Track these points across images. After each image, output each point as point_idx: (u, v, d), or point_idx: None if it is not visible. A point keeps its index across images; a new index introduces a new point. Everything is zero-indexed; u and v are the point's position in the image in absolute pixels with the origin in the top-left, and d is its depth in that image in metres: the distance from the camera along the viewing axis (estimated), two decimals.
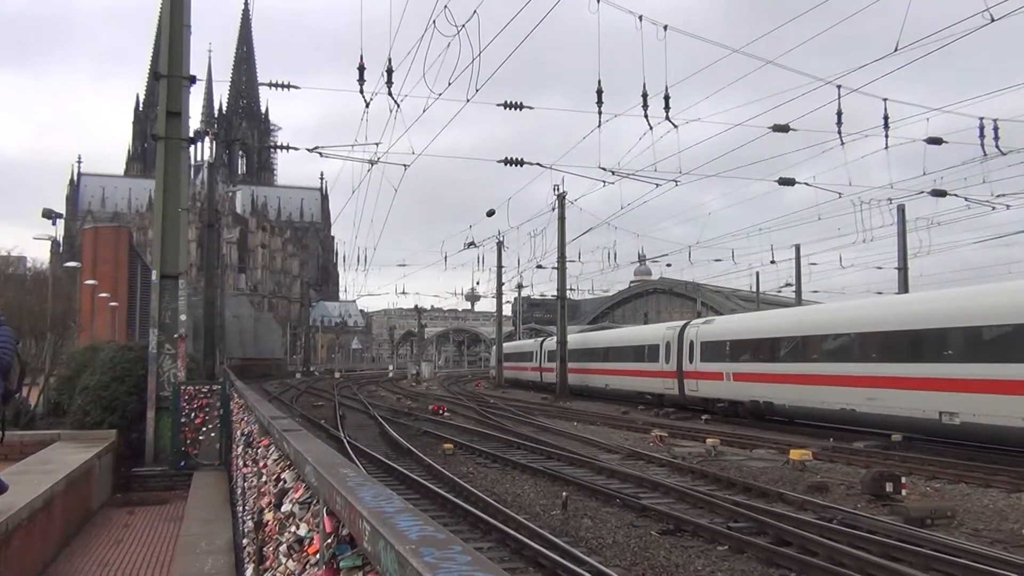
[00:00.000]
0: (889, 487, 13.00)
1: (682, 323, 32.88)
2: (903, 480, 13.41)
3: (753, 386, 25.78)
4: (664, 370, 32.04)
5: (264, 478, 5.56)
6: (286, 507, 4.03)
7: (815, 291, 53.92)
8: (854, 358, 21.26)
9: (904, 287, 36.58)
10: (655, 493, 13.67)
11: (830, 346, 22.67)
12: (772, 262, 49.08)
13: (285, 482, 4.37)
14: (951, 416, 17.74)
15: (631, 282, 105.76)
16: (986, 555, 9.00)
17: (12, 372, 6.35)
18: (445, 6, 13.31)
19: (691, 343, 30.01)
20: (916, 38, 15.70)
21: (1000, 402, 16.30)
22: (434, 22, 13.68)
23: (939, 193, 26.71)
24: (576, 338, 45.77)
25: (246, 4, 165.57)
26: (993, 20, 14.18)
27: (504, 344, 60.03)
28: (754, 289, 60.85)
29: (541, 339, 55.66)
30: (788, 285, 54.04)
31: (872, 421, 20.51)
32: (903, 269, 37.56)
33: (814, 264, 51.68)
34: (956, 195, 26.59)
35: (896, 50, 15.63)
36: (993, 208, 27.13)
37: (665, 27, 17.39)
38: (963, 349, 17.84)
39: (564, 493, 13.24)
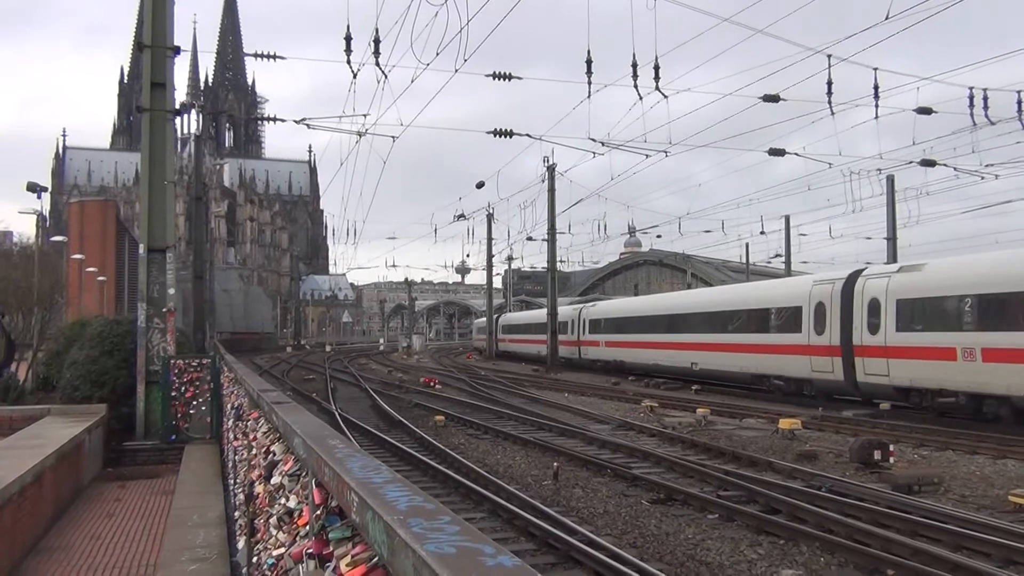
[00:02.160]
0: (877, 455, 13.12)
1: (582, 305, 45.05)
2: (891, 448, 13.54)
3: (614, 350, 37.49)
4: (571, 340, 42.75)
5: (254, 451, 5.56)
6: (276, 479, 4.02)
7: (805, 261, 53.99)
8: (658, 331, 32.71)
9: (893, 257, 36.66)
10: (646, 463, 13.76)
11: (647, 324, 34.20)
12: (762, 233, 49.26)
13: (275, 454, 4.36)
14: (695, 364, 29.02)
15: (621, 253, 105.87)
16: (972, 521, 9.10)
17: None
18: None
19: (584, 320, 41.53)
20: (907, 6, 15.60)
21: (719, 356, 27.30)
22: None
23: (928, 163, 26.70)
24: (518, 315, 61.44)
25: None
26: None
27: (476, 321, 65.61)
28: (744, 260, 60.93)
29: (497, 315, 64.53)
30: (778, 256, 54.12)
31: (667, 370, 31.49)
32: (892, 239, 37.65)
33: (804, 235, 51.92)
34: (945, 165, 26.58)
35: (887, 18, 15.53)
36: (982, 178, 27.15)
37: None
38: (699, 325, 29.26)
39: (555, 463, 13.31)
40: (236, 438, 8.08)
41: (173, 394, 13.87)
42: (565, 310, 46.46)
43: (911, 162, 27.12)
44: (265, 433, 5.14)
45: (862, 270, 21.65)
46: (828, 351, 21.35)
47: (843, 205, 32.41)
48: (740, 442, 15.98)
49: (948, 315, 18.00)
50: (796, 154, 26.02)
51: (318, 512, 2.66)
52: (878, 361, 19.63)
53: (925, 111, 22.37)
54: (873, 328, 19.82)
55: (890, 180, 35.25)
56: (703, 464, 13.15)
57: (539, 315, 52.70)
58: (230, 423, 9.74)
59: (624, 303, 44.15)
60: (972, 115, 21.10)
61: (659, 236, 54.96)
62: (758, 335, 25.03)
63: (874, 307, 19.93)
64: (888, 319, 19.51)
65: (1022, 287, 16.30)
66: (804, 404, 21.95)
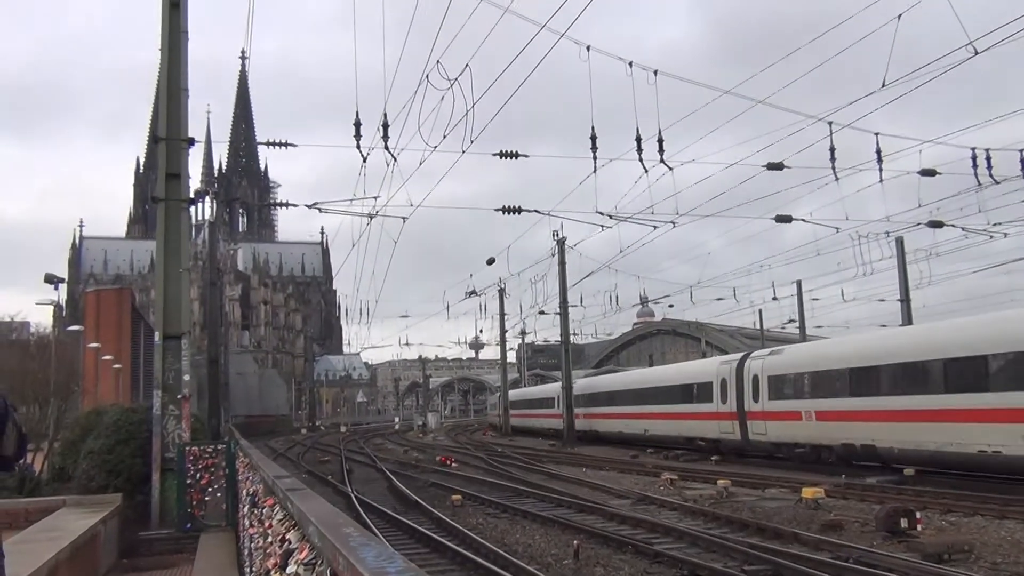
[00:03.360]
0: (904, 523, 12.85)
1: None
2: (918, 515, 13.26)
3: (590, 421, 43.42)
4: (555, 413, 47.68)
5: (270, 539, 5.50)
6: (291, 569, 3.98)
7: (819, 326, 53.67)
8: (620, 404, 39.29)
9: (907, 319, 36.48)
10: (668, 538, 13.50)
11: (613, 398, 40.63)
12: (774, 299, 49.11)
13: (290, 543, 4.33)
14: (647, 431, 34.81)
15: (634, 324, 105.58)
16: None
17: (6, 438, 6.24)
18: (438, 61, 13.55)
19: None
20: (903, 72, 15.93)
21: (662, 423, 33.42)
22: (427, 76, 13.92)
23: (936, 224, 26.77)
24: (526, 390, 66.20)
25: (243, 64, 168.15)
26: (977, 53, 14.38)
27: (490, 399, 68.25)
28: (758, 326, 60.71)
29: (498, 395, 68.96)
30: (792, 321, 53.90)
31: (629, 436, 37.18)
32: (905, 301, 37.50)
33: (816, 299, 51.54)
34: (953, 225, 26.64)
35: (884, 86, 15.84)
36: (991, 237, 27.20)
37: (655, 72, 17.63)
38: (648, 398, 35.58)
39: (575, 541, 13.07)
40: (251, 525, 8.00)
41: (188, 481, 13.77)
42: (551, 387, 54.34)
43: (919, 224, 27.21)
44: (280, 520, 5.11)
45: (751, 353, 28.82)
46: (730, 416, 27.48)
47: (853, 268, 32.48)
48: (763, 513, 15.68)
49: (797, 387, 24.33)
50: (803, 220, 26.20)
51: None
52: (760, 423, 25.79)
53: (929, 173, 22.52)
54: (756, 398, 25.95)
55: (899, 242, 35.30)
56: (726, 538, 12.89)
57: (543, 390, 58.64)
58: (245, 510, 9.66)
59: (597, 380, 49.81)
60: (976, 175, 21.23)
61: (671, 306, 54.92)
62: (685, 405, 31.26)
63: (756, 382, 26.10)
64: (763, 391, 25.62)
65: (834, 366, 22.97)
66: (826, 472, 21.61)
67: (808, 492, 16.62)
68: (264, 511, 6.48)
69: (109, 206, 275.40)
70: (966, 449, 17.89)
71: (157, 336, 15.35)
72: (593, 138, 18.87)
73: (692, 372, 33.08)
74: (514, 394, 64.50)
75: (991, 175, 21.28)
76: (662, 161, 18.88)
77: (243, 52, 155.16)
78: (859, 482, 18.89)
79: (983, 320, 20.64)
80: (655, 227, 24.87)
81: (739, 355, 29.26)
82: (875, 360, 21.38)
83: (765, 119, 20.40)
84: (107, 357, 39.51)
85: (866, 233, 30.02)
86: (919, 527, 12.92)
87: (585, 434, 43.01)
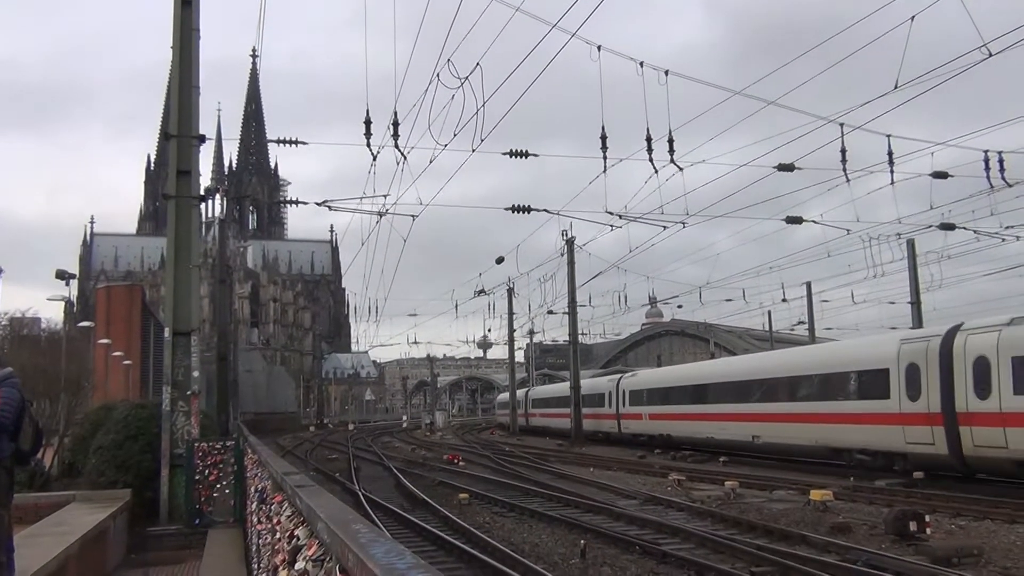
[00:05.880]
0: (913, 526, 12.78)
1: (528, 388, 67.24)
2: (927, 518, 13.19)
3: (541, 419, 55.88)
4: (522, 413, 60.47)
5: (278, 535, 5.52)
6: (300, 564, 3.99)
7: (828, 328, 53.49)
8: (555, 406, 51.69)
9: (918, 321, 36.33)
10: (675, 539, 13.48)
11: (551, 402, 53.81)
12: (784, 300, 48.94)
13: (299, 539, 4.34)
14: (570, 428, 44.62)
15: (643, 324, 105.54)
16: None
17: (23, 433, 6.27)
18: (448, 60, 13.55)
19: (530, 399, 61.06)
20: (916, 74, 15.83)
21: (588, 421, 43.66)
22: (438, 75, 13.92)
23: (948, 227, 26.59)
24: (521, 392, 69.34)
25: (254, 63, 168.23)
26: (991, 55, 14.29)
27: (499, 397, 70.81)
28: (767, 328, 60.57)
29: (504, 394, 75.14)
30: (801, 323, 53.76)
31: (557, 430, 49.18)
32: (916, 303, 37.34)
33: (826, 301, 51.31)
34: (965, 228, 26.45)
35: (896, 87, 15.75)
36: (1003, 240, 27.02)
37: (666, 72, 17.55)
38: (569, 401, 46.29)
39: (582, 541, 13.07)
40: (260, 522, 8.03)
41: (197, 477, 13.82)
42: (519, 391, 65.37)
43: (930, 226, 27.04)
44: (289, 517, 5.13)
45: (624, 373, 44.01)
46: (614, 416, 40.77)
47: (864, 270, 32.39)
48: (771, 515, 15.64)
49: (640, 398, 37.67)
50: (814, 221, 26.06)
51: None
52: (625, 421, 39.40)
53: (941, 175, 22.35)
54: (623, 404, 39.67)
55: (910, 244, 35.12)
56: (734, 539, 12.86)
57: (520, 393, 68.55)
58: (254, 506, 9.69)
59: (548, 387, 63.64)
60: (988, 178, 21.03)
61: (680, 306, 54.90)
62: (594, 408, 43.57)
63: (623, 393, 39.79)
64: (624, 399, 39.51)
65: (654, 386, 37.13)
66: (835, 474, 21.54)
67: (816, 494, 16.55)
68: (272, 507, 6.51)
69: (120, 203, 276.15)
70: (701, 435, 30.51)
71: (167, 332, 15.42)
72: (603, 138, 18.80)
73: (598, 385, 45.52)
74: (519, 394, 64.59)
75: (1003, 178, 21.08)
76: (672, 161, 18.78)
77: (254, 50, 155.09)
78: (868, 485, 18.82)
79: (719, 361, 42.14)
80: (665, 227, 24.80)
81: (619, 374, 43.70)
82: (672, 383, 35.55)
83: (776, 120, 20.26)
84: (117, 353, 39.70)
85: (877, 235, 29.88)
86: (928, 530, 12.85)
87: (535, 428, 55.85)
